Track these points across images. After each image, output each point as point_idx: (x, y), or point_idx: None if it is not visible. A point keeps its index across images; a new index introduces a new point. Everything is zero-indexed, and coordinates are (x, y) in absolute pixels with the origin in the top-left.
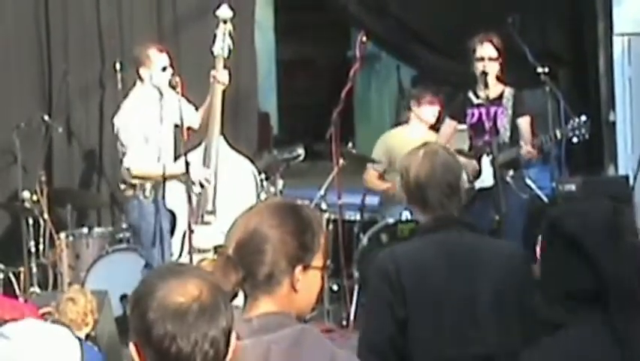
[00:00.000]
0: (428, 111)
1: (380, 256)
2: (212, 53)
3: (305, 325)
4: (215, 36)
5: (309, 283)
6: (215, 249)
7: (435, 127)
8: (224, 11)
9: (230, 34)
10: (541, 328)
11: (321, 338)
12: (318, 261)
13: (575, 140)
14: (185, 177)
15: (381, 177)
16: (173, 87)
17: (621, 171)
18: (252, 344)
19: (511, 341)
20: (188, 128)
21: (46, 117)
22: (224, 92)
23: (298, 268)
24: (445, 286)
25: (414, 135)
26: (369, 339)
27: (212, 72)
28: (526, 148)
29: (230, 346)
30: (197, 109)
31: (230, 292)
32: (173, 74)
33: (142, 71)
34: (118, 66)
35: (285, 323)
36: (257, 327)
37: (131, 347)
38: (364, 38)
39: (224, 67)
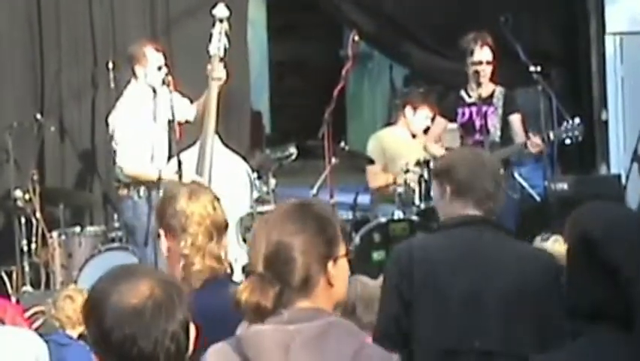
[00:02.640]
0: (421, 121)
1: (398, 245)
2: (207, 52)
3: (336, 318)
4: (211, 35)
5: (341, 272)
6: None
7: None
8: (221, 10)
9: (226, 34)
10: (561, 337)
11: (351, 332)
12: (342, 249)
13: (567, 142)
14: (179, 177)
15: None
16: (166, 86)
17: (613, 170)
18: (271, 330)
19: (516, 342)
20: (186, 122)
21: (38, 116)
22: (219, 91)
23: (330, 264)
24: (451, 279)
25: (405, 136)
26: (378, 320)
27: (209, 67)
28: (534, 140)
29: (190, 339)
30: (191, 102)
31: (271, 308)
32: (166, 74)
33: (137, 69)
34: (110, 65)
35: (317, 316)
36: (285, 319)
37: (94, 358)
38: (356, 37)
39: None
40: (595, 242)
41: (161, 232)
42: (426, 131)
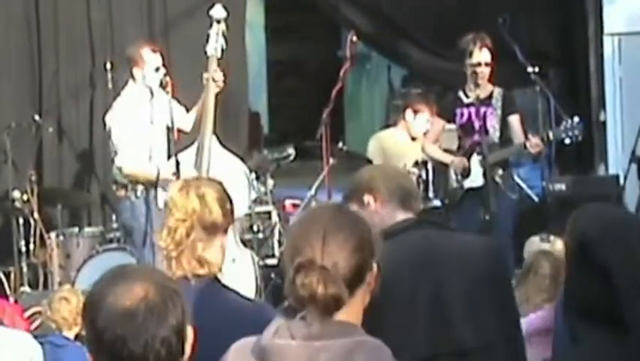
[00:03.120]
0: (421, 125)
1: None
2: (205, 53)
3: (365, 337)
4: (208, 36)
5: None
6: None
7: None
8: (219, 11)
9: (223, 34)
10: (516, 325)
11: (379, 351)
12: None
13: (567, 141)
14: (176, 178)
15: None
16: (163, 87)
17: (611, 171)
18: (296, 346)
19: (486, 336)
20: (179, 131)
21: (36, 117)
22: (217, 93)
23: (375, 264)
24: (409, 287)
25: (404, 138)
26: None
27: (205, 75)
28: (533, 141)
29: (186, 343)
30: (187, 110)
31: (340, 298)
32: (164, 75)
33: (135, 72)
34: (108, 66)
35: (346, 333)
36: (314, 333)
37: (89, 357)
38: (354, 38)
39: (218, 68)
40: (590, 243)
41: None
42: (425, 133)
